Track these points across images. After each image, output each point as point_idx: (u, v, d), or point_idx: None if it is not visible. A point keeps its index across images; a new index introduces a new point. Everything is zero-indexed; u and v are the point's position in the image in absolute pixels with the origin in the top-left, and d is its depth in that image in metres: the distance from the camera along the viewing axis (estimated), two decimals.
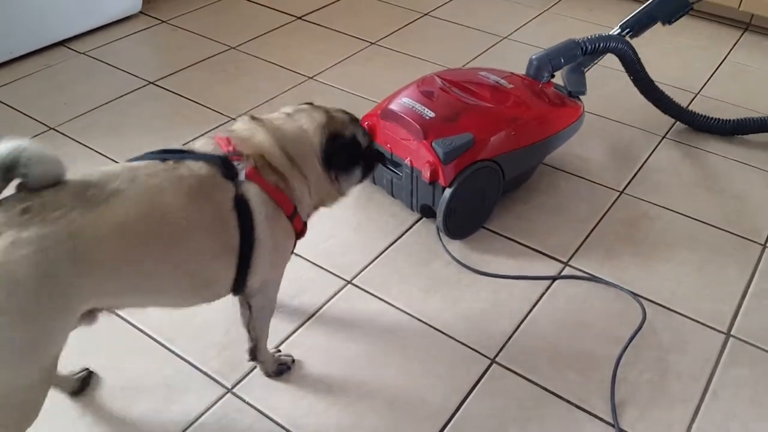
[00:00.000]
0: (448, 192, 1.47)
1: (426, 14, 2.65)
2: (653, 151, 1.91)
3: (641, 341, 1.35)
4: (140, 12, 2.53)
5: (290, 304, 1.41)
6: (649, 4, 1.82)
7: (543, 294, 1.45)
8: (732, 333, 1.38)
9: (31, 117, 1.96)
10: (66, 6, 2.26)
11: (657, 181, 1.80)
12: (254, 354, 1.23)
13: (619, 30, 1.82)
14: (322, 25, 2.54)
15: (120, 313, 1.36)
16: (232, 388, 1.25)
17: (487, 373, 1.28)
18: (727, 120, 1.92)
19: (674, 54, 2.39)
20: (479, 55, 2.35)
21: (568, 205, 1.70)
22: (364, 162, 1.23)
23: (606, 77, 2.13)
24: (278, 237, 1.09)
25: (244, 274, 1.07)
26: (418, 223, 1.63)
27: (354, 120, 1.22)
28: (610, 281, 1.48)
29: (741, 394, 1.26)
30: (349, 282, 1.46)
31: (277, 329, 1.32)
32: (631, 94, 1.92)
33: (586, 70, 1.77)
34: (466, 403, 1.23)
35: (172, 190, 0.98)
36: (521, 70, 1.76)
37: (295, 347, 1.32)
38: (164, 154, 1.03)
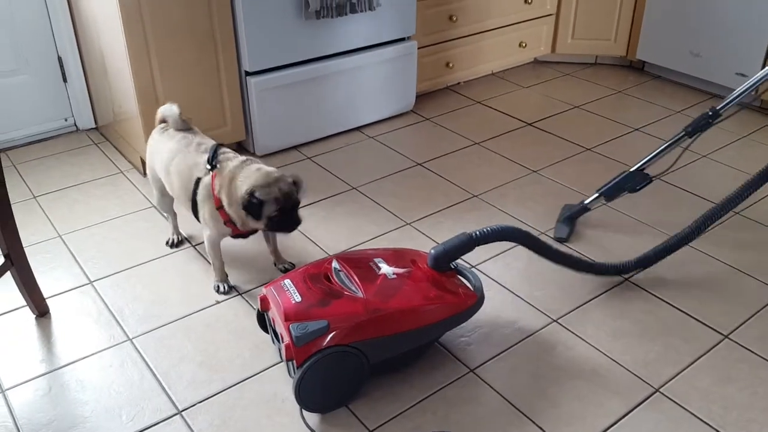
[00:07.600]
0: (299, 371, 1.62)
1: (636, 129, 3.21)
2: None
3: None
4: (411, 110, 3.43)
5: None
6: (619, 177, 2.19)
7: None
8: None
9: (338, 178, 2.85)
10: (362, 103, 3.20)
11: None
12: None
13: (597, 195, 2.16)
14: (546, 131, 3.22)
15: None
16: None
17: None
18: (628, 262, 2.12)
19: None
20: (674, 165, 2.84)
21: None
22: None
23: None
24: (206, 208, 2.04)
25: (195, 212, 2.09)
26: None
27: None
28: None
29: None
30: None
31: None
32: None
33: None
34: None
35: (191, 154, 2.09)
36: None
37: None
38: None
